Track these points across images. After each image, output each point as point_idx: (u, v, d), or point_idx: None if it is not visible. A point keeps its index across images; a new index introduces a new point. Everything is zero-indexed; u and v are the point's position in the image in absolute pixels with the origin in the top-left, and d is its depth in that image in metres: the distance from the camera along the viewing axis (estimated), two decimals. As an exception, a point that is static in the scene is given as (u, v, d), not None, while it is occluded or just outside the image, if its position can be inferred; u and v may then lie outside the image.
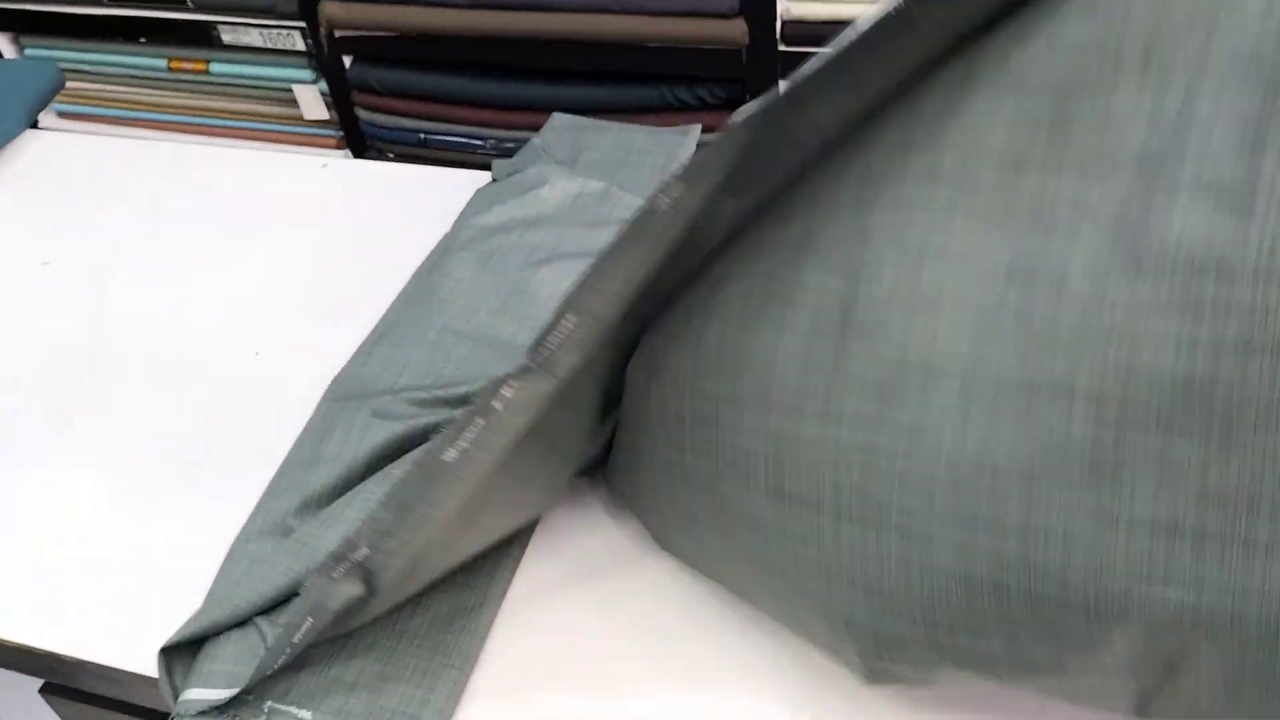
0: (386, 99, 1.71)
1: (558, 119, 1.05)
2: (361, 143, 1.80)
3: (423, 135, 1.73)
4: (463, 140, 1.71)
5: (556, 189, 0.91)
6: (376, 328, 0.84)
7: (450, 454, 0.58)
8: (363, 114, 1.75)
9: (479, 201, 0.93)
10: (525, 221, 0.89)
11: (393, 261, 0.92)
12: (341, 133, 1.81)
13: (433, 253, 0.89)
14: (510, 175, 0.94)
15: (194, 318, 0.91)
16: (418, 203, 0.99)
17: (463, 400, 0.75)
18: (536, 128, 1.67)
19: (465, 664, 0.66)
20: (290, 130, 1.85)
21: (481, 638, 0.67)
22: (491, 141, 1.70)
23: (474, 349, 0.79)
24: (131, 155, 1.13)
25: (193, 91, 1.85)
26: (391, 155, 1.79)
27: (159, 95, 1.88)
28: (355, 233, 0.98)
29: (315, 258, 0.95)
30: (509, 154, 0.99)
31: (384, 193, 1.02)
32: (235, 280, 0.94)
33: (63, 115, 1.98)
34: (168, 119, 1.90)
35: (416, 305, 0.83)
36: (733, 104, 1.55)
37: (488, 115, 1.67)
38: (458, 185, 0.99)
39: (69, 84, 1.93)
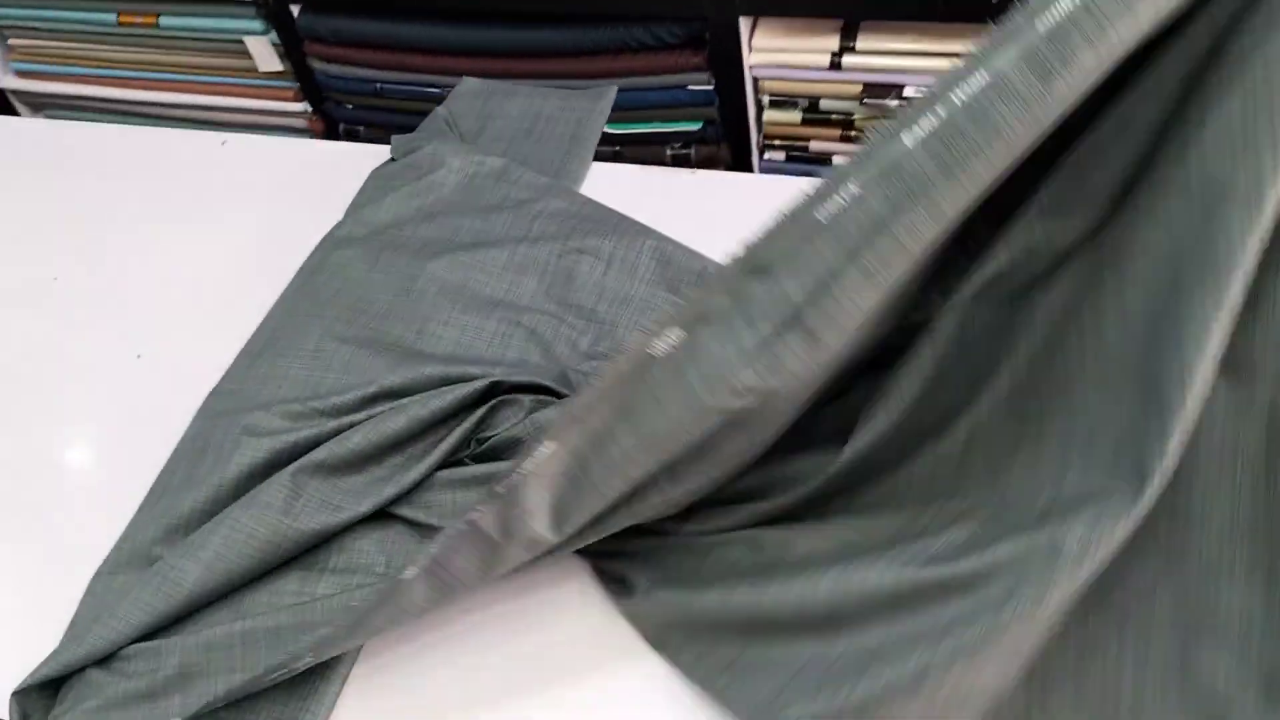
0: (338, 48, 1.65)
1: (466, 84, 0.98)
2: (318, 94, 1.74)
3: (378, 85, 1.66)
4: (419, 88, 1.65)
5: (452, 171, 0.85)
6: (258, 334, 0.79)
7: (410, 571, 0.59)
8: (316, 65, 1.68)
9: (372, 187, 0.87)
10: (419, 214, 0.83)
11: (289, 251, 0.87)
12: (297, 84, 1.75)
13: (319, 247, 0.84)
14: (407, 154, 0.89)
15: (75, 315, 0.87)
16: (318, 184, 0.93)
17: (337, 410, 0.71)
18: (492, 74, 1.61)
19: (320, 710, 0.63)
20: (246, 83, 1.78)
21: (338, 684, 0.64)
22: (449, 89, 1.62)
23: (356, 354, 0.75)
24: (27, 136, 1.07)
25: (144, 46, 1.79)
26: (350, 106, 1.73)
27: (113, 51, 1.82)
28: (252, 219, 0.92)
29: (208, 248, 0.90)
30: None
31: (284, 173, 0.96)
32: (121, 274, 0.89)
33: (20, 74, 1.93)
34: (124, 75, 1.85)
35: (300, 309, 0.79)
36: (693, 42, 1.47)
37: (443, 62, 1.60)
38: (358, 161, 0.93)
39: (24, 41, 1.87)
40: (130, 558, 0.68)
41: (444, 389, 0.68)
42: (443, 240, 0.80)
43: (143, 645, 0.64)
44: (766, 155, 1.57)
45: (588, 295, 0.77)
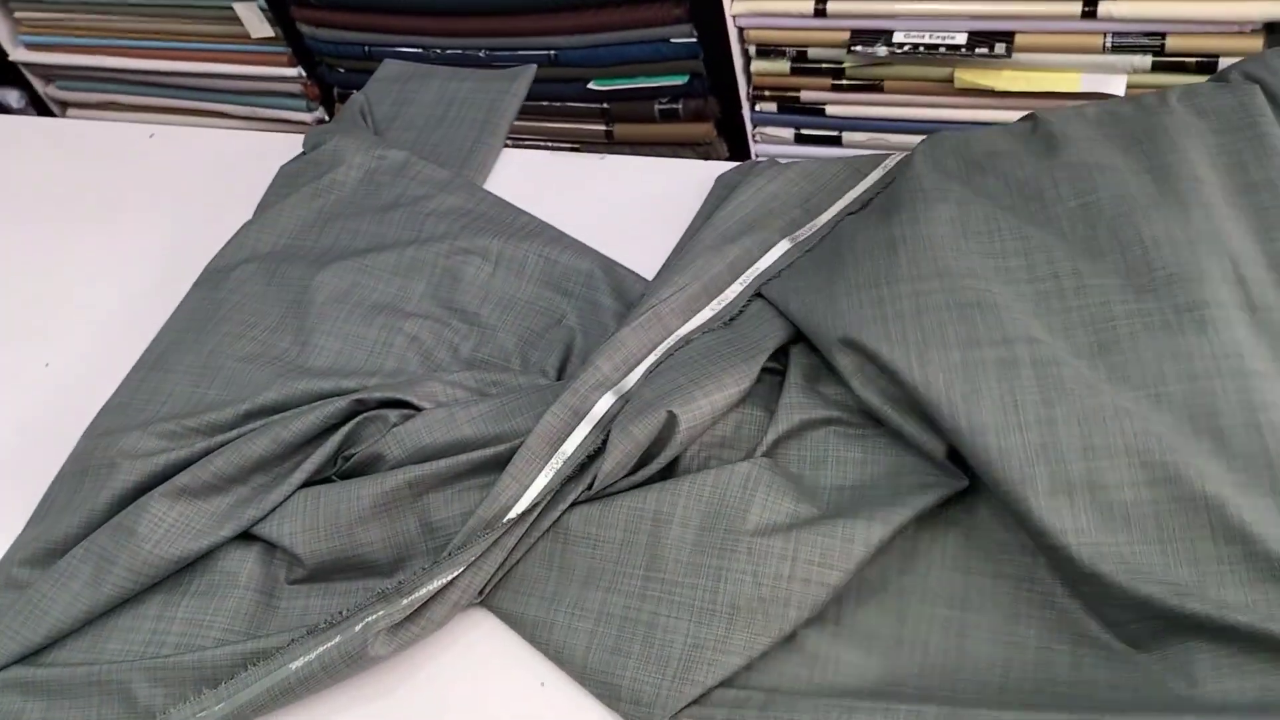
0: (325, 11, 1.62)
1: (387, 67, 0.96)
2: (311, 59, 1.72)
3: (367, 48, 1.64)
4: (407, 50, 1.62)
5: (353, 168, 0.83)
6: (153, 346, 0.78)
7: (296, 665, 0.60)
8: (305, 29, 1.67)
9: (277, 185, 0.85)
10: (319, 216, 0.81)
11: (214, 252, 0.85)
12: (289, 50, 1.73)
13: (214, 268, 0.81)
14: (315, 147, 0.86)
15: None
16: (243, 178, 0.91)
17: (212, 429, 0.70)
18: (478, 33, 1.57)
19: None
20: (241, 50, 1.77)
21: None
22: (436, 51, 1.59)
23: (239, 370, 0.74)
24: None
25: (142, 15, 1.79)
26: (342, 70, 1.71)
27: (113, 20, 1.83)
28: (174, 217, 0.90)
29: (125, 250, 0.88)
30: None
31: (210, 169, 0.94)
32: (29, 276, 0.88)
33: (30, 47, 1.94)
34: (126, 44, 1.85)
35: (194, 325, 0.78)
36: (670, -8, 1.41)
37: (427, 22, 1.57)
38: (284, 153, 0.91)
39: (30, 14, 1.88)
40: (6, 580, 0.69)
41: (307, 408, 0.67)
42: (339, 247, 0.79)
43: (8, 676, 0.64)
44: (758, 107, 1.52)
45: (472, 298, 0.74)
